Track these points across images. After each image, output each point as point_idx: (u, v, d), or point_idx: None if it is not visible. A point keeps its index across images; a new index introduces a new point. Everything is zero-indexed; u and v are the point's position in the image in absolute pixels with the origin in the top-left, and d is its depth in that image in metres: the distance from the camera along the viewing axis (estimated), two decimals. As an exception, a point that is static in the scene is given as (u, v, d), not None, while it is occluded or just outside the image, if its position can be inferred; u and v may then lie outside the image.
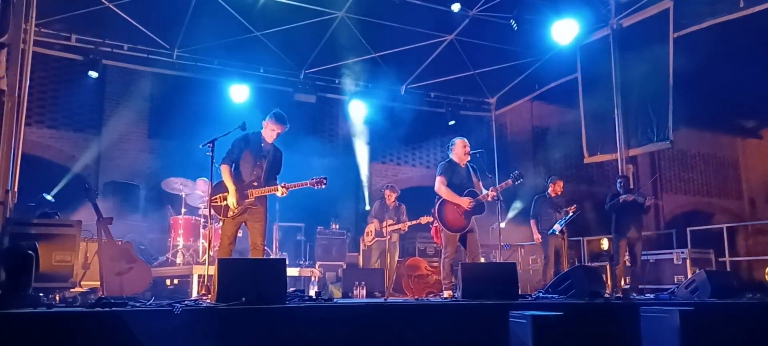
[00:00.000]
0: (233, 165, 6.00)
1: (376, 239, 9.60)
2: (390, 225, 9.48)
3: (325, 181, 6.01)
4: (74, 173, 9.85)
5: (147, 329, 3.82)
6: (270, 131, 6.05)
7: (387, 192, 9.82)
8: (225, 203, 5.85)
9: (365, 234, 9.91)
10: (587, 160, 11.29)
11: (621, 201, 8.64)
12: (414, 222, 9.45)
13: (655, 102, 9.85)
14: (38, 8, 7.14)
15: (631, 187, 9.40)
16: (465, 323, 4.86)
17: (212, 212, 6.01)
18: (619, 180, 9.13)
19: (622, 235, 8.73)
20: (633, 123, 10.36)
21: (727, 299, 6.46)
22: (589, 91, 11.21)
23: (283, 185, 5.94)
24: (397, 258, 9.52)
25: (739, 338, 5.48)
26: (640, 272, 8.89)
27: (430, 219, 9.43)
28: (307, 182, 6.00)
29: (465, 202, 6.63)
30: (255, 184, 5.95)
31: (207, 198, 6.16)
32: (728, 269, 9.23)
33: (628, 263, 9.01)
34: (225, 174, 5.90)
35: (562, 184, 9.24)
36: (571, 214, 8.69)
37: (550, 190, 9.18)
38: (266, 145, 6.09)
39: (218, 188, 5.94)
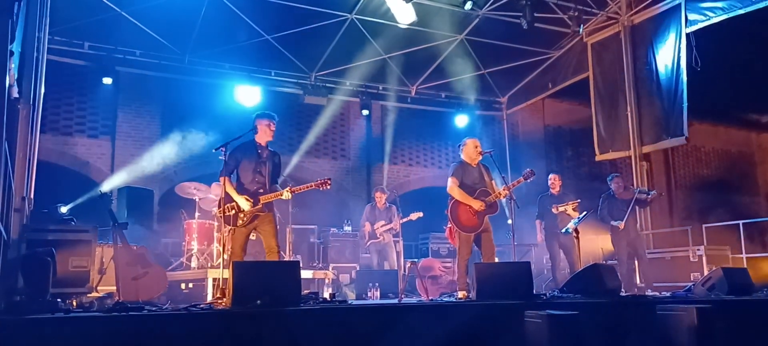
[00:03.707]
0: (234, 176, 6.02)
1: (371, 240, 9.67)
2: (382, 226, 9.58)
3: (329, 182, 6.07)
4: (92, 191, 9.89)
5: (163, 333, 3.85)
6: (263, 133, 6.08)
7: (377, 194, 9.91)
8: (233, 212, 5.87)
9: (359, 238, 10.01)
10: (598, 157, 11.26)
11: (612, 224, 8.61)
12: (405, 219, 9.57)
13: (668, 98, 9.78)
14: (51, 16, 7.20)
15: (630, 185, 9.32)
16: (480, 323, 4.84)
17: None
18: (613, 178, 8.98)
19: (622, 238, 8.65)
20: (646, 119, 10.30)
21: (744, 296, 6.40)
22: (601, 88, 11.16)
23: (289, 188, 5.97)
24: (394, 258, 9.61)
25: (757, 336, 5.42)
26: (649, 270, 8.83)
27: (420, 214, 9.53)
28: (312, 183, 6.05)
29: (476, 204, 6.62)
30: (261, 191, 5.97)
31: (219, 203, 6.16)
32: (745, 266, 9.13)
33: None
34: (227, 186, 5.88)
35: (554, 177, 9.07)
36: (585, 213, 8.60)
37: (550, 187, 9.10)
38: (263, 151, 6.11)
39: (225, 199, 5.96)
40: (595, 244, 10.77)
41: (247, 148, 6.06)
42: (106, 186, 10.04)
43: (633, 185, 9.74)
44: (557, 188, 8.98)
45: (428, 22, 10.61)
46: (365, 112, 12.44)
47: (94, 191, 9.70)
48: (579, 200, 8.62)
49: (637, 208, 8.94)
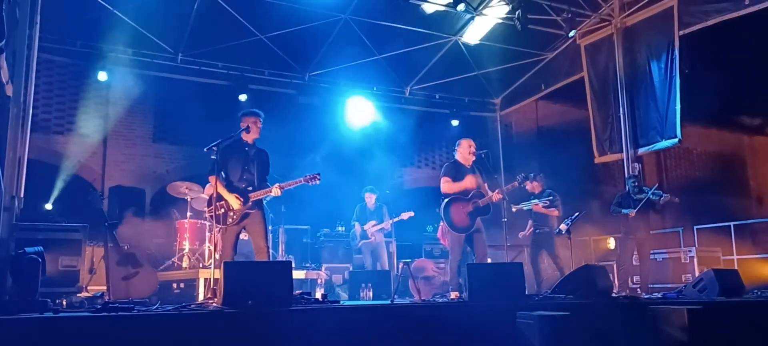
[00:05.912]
0: (222, 175, 6.00)
1: (362, 241, 9.69)
2: (372, 226, 9.60)
3: (318, 177, 6.07)
4: (73, 178, 9.83)
5: (153, 334, 3.83)
6: (248, 130, 6.07)
7: (367, 195, 9.98)
8: (223, 211, 5.87)
9: (350, 239, 10.02)
10: (597, 160, 11.23)
11: (626, 213, 8.57)
12: (396, 219, 9.63)
13: (662, 100, 9.80)
14: (43, 14, 7.16)
15: (642, 186, 9.31)
16: (472, 323, 4.84)
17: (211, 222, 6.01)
18: (630, 180, 8.99)
19: (632, 235, 8.66)
20: (640, 122, 10.31)
21: (735, 297, 6.42)
22: (596, 90, 11.18)
23: (277, 185, 5.97)
24: (386, 258, 9.67)
25: (747, 337, 5.44)
26: (648, 272, 8.84)
27: (411, 214, 9.57)
28: (301, 179, 6.06)
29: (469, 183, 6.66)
30: (250, 189, 5.98)
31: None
32: (736, 267, 9.17)
33: (635, 263, 8.97)
34: (217, 185, 5.88)
35: (531, 184, 9.07)
36: (576, 214, 8.61)
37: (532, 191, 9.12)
38: (250, 149, 6.12)
39: (215, 198, 5.94)
40: (587, 245, 10.82)
41: (235, 147, 6.06)
42: (97, 185, 10.01)
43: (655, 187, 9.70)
44: (537, 191, 9.02)
45: (422, 22, 10.60)
46: (357, 112, 12.39)
47: (66, 176, 9.68)
48: (540, 202, 8.60)
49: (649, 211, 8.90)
